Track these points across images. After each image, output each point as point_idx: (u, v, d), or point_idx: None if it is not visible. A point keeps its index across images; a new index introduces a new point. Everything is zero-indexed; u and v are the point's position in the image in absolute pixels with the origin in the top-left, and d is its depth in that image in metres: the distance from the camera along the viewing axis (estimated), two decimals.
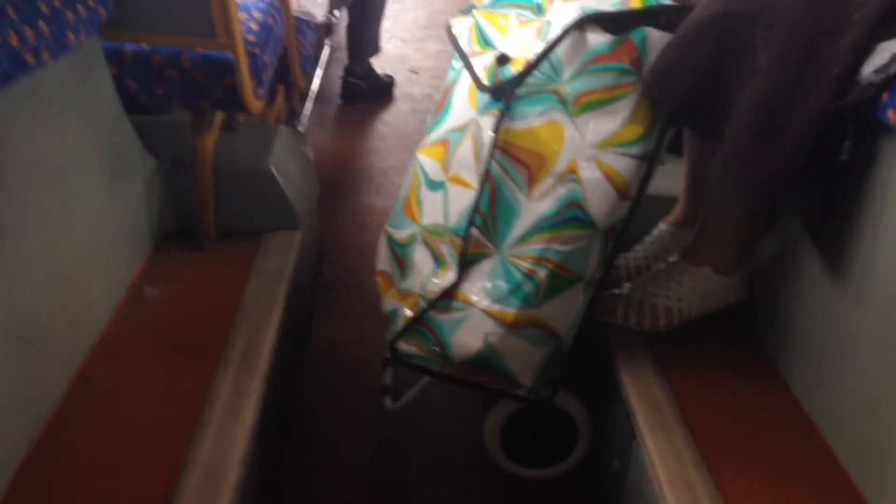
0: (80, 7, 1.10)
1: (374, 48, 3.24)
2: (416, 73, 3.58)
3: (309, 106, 3.07)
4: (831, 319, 1.15)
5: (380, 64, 3.43)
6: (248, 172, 1.55)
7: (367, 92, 3.23)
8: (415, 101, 3.28)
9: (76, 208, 1.18)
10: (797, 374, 1.25)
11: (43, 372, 1.07)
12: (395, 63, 3.63)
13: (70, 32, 1.07)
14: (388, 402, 1.41)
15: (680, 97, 1.15)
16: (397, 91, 3.35)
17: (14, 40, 0.92)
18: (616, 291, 1.37)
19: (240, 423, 1.07)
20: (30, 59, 0.96)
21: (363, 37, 3.15)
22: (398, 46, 3.87)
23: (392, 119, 3.15)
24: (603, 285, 1.26)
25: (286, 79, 2.09)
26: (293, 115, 2.73)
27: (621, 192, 1.20)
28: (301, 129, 2.78)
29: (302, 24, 2.19)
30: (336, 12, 3.51)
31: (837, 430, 1.13)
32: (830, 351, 1.15)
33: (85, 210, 1.21)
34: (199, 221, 1.50)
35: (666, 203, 1.55)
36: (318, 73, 3.37)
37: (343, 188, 2.57)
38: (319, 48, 3.39)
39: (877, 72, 1.01)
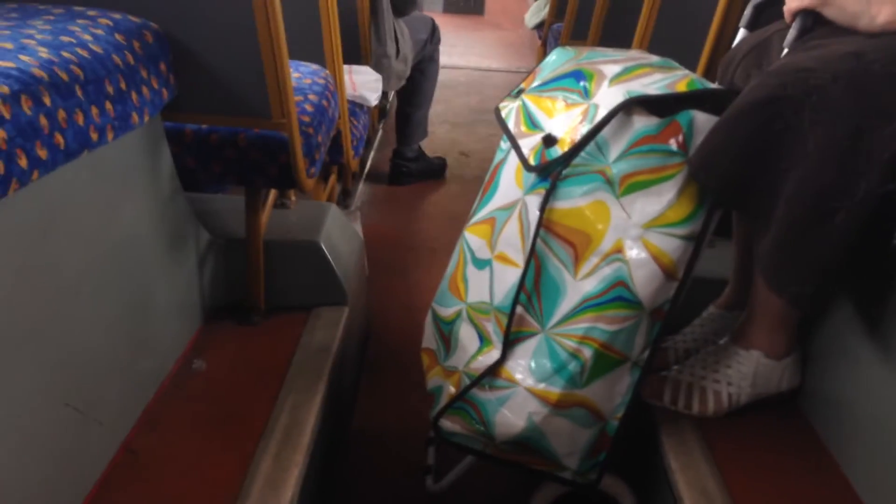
0: (145, 89, 1.15)
1: (423, 132, 3.29)
2: (466, 156, 3.64)
3: (361, 186, 3.15)
4: (887, 405, 1.11)
5: (431, 147, 3.49)
6: (299, 248, 1.57)
7: (415, 174, 3.29)
8: (465, 182, 3.33)
9: (130, 281, 1.21)
10: (853, 462, 1.20)
11: (88, 441, 1.08)
12: (446, 146, 3.71)
13: (134, 113, 1.12)
14: (429, 483, 1.39)
15: (726, 179, 1.15)
16: (447, 173, 3.41)
17: (80, 119, 0.97)
18: (664, 374, 1.34)
19: (280, 497, 1.07)
20: (94, 136, 1.00)
21: (411, 121, 3.21)
22: (449, 130, 3.95)
23: (442, 200, 3.19)
24: (650, 367, 1.24)
25: (339, 159, 2.15)
26: (346, 194, 2.80)
27: (668, 272, 1.19)
28: (353, 207, 2.84)
29: (355, 108, 2.25)
30: (390, 95, 3.62)
31: None
32: (887, 438, 1.11)
33: (139, 283, 1.24)
34: (249, 296, 1.52)
35: (716, 286, 1.53)
36: (372, 154, 3.46)
37: (392, 267, 2.59)
38: (374, 131, 3.48)
39: None
